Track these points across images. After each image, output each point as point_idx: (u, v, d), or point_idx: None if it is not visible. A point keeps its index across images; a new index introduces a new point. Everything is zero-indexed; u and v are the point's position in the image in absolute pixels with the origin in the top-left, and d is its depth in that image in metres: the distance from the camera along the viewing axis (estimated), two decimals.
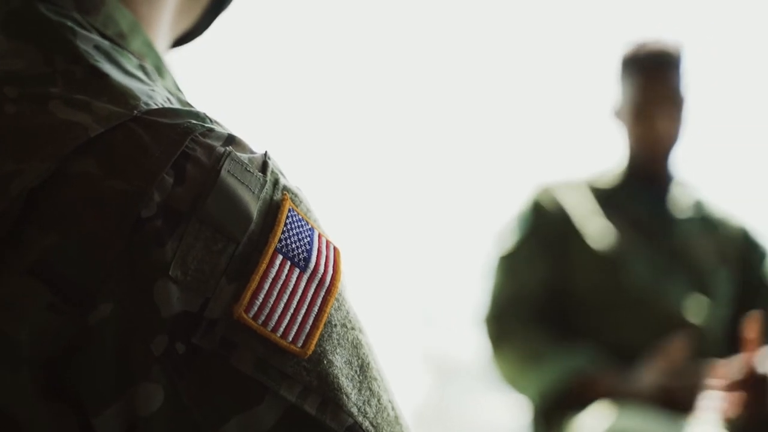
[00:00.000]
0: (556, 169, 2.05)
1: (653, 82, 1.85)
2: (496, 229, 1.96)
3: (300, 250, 0.47)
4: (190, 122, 0.47)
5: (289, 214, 0.47)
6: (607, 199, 1.91)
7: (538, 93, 2.64)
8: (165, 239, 0.43)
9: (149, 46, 0.56)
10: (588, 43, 2.58)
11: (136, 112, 0.46)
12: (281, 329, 0.45)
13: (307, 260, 0.47)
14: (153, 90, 0.49)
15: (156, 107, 0.47)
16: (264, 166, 0.48)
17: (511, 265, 1.88)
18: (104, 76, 0.48)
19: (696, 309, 1.82)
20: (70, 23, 0.51)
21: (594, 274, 1.82)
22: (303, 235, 0.48)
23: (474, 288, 2.02)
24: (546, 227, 1.88)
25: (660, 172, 1.91)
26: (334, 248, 0.50)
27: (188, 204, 0.44)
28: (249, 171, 0.47)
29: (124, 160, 0.44)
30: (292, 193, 0.49)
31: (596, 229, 1.87)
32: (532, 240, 1.88)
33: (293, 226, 0.47)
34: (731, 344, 1.86)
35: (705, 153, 2.20)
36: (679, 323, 1.80)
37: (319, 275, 0.48)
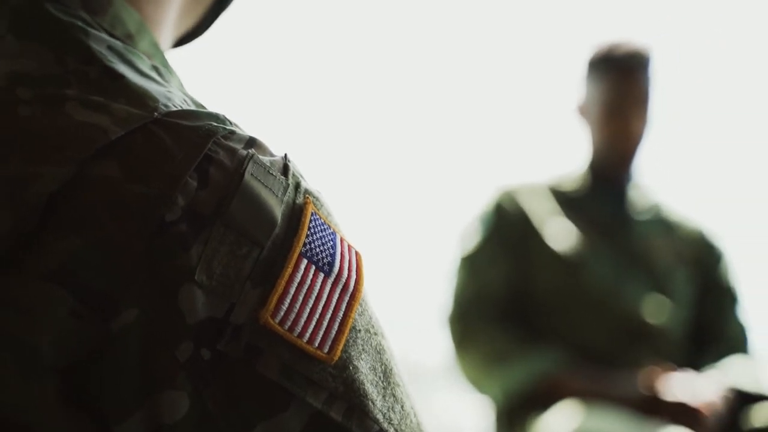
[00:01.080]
0: (517, 171, 2.07)
1: (627, 81, 1.87)
2: (459, 231, 1.98)
3: (324, 255, 0.47)
4: (211, 124, 0.46)
5: (312, 218, 0.47)
6: (568, 201, 1.93)
7: (498, 97, 2.67)
8: (190, 243, 0.42)
9: (156, 47, 0.55)
10: (550, 44, 2.61)
11: (155, 114, 0.45)
12: (307, 335, 0.44)
13: (331, 264, 0.47)
14: (170, 91, 0.48)
15: (175, 109, 0.46)
16: (285, 168, 0.47)
17: (473, 265, 1.90)
18: (120, 77, 0.47)
19: (656, 310, 1.85)
20: (80, 23, 0.50)
21: (555, 275, 1.84)
22: (326, 239, 0.47)
23: (436, 289, 2.03)
24: (507, 229, 1.90)
25: (623, 173, 1.93)
26: (356, 252, 0.50)
27: (212, 208, 0.43)
28: (272, 174, 0.46)
29: (146, 164, 0.43)
30: (314, 197, 0.48)
31: (557, 230, 1.89)
32: (494, 241, 1.90)
33: (316, 230, 0.47)
34: (692, 346, 1.89)
35: (663, 155, 2.23)
36: (639, 324, 1.83)
37: (343, 280, 0.47)
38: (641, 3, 2.70)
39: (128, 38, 0.53)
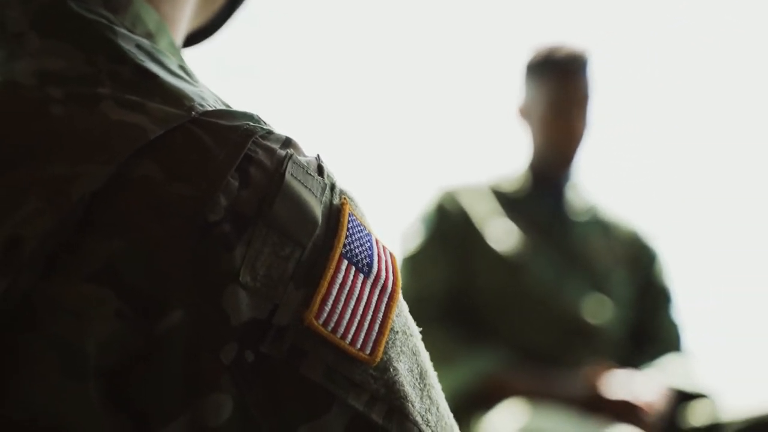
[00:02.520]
0: (459, 172, 2.08)
1: (568, 83, 1.91)
2: (401, 232, 1.99)
3: (363, 255, 0.46)
4: (248, 124, 0.45)
5: (350, 219, 0.46)
6: (509, 202, 1.95)
7: (437, 98, 2.68)
8: (233, 244, 0.42)
9: (174, 47, 0.54)
10: (489, 46, 2.63)
11: (193, 113, 0.44)
12: (350, 336, 0.43)
13: (369, 266, 0.46)
14: (201, 91, 0.47)
15: (211, 109, 0.45)
16: (320, 169, 0.47)
17: (415, 266, 1.90)
18: (154, 77, 0.46)
19: (595, 309, 1.88)
20: (105, 21, 0.49)
21: (496, 275, 1.85)
22: (364, 240, 0.47)
23: None
24: (449, 229, 1.91)
25: (563, 174, 1.96)
26: (390, 253, 0.49)
27: (254, 208, 0.43)
28: (310, 174, 0.46)
29: (187, 164, 0.42)
30: (349, 197, 0.48)
31: (498, 231, 1.90)
32: (436, 242, 1.90)
33: (354, 231, 0.46)
34: (631, 345, 1.93)
35: (600, 157, 2.27)
36: (579, 323, 1.85)
37: (382, 281, 0.47)
38: (577, 7, 2.74)
39: (149, 37, 0.52)
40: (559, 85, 1.90)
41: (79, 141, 0.42)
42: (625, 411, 1.70)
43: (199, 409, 0.41)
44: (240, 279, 0.42)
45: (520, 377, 1.76)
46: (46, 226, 0.40)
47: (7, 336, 0.40)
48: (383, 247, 0.49)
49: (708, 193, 2.82)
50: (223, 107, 0.47)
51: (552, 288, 1.87)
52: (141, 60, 0.47)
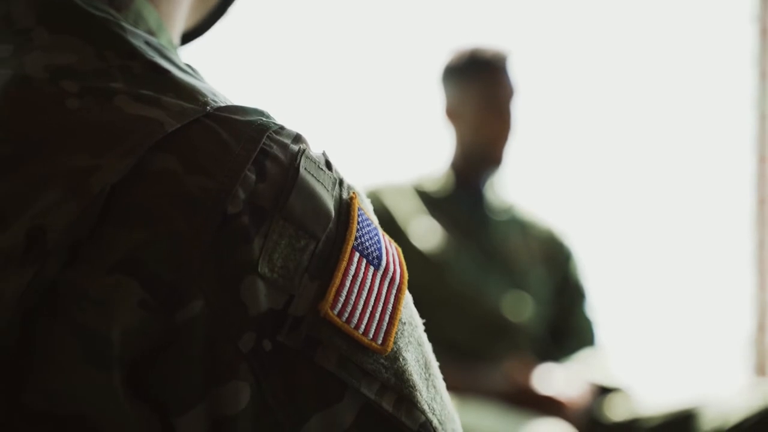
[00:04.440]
0: (382, 171, 2.09)
1: (501, 80, 1.93)
2: None
3: (372, 249, 0.47)
4: (261, 119, 0.46)
5: (359, 213, 0.47)
6: (432, 201, 1.97)
7: (360, 98, 2.68)
8: (252, 236, 0.43)
9: (172, 45, 0.55)
10: (409, 48, 2.65)
11: (207, 108, 0.45)
12: (362, 326, 0.45)
13: (379, 258, 0.48)
14: (211, 87, 0.48)
15: (224, 104, 0.46)
16: (328, 164, 0.48)
17: None
18: (165, 72, 0.47)
19: (515, 307, 1.90)
20: (112, 18, 0.49)
21: (419, 273, 1.86)
22: (372, 233, 0.48)
23: None
24: None
25: (487, 173, 1.98)
26: (396, 247, 0.51)
27: (271, 201, 0.44)
28: (322, 169, 0.47)
29: (205, 157, 0.43)
30: (357, 192, 0.49)
31: (421, 229, 1.92)
32: None
33: (363, 224, 0.47)
34: (549, 340, 1.97)
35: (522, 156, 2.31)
36: (500, 320, 1.88)
37: (390, 273, 0.48)
38: (496, 8, 2.78)
39: (150, 35, 0.52)
40: (490, 84, 1.93)
41: (98, 134, 0.43)
42: (549, 406, 1.73)
43: (218, 398, 0.42)
44: (258, 270, 0.43)
45: (445, 372, 1.77)
46: (69, 216, 0.41)
47: (29, 325, 0.40)
48: (389, 240, 0.50)
49: (621, 192, 2.88)
50: (236, 104, 0.48)
51: (474, 286, 1.89)
52: (151, 56, 0.48)
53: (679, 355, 2.81)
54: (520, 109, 1.96)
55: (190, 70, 0.50)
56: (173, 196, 0.42)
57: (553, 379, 1.81)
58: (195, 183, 0.43)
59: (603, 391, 1.85)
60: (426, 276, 1.87)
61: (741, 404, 1.66)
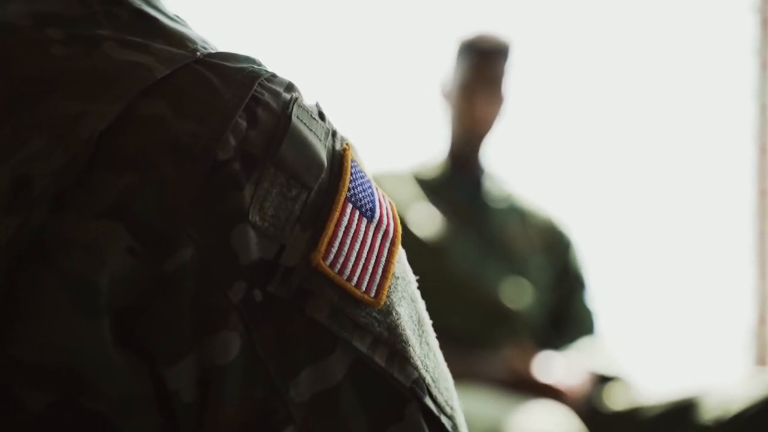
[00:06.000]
0: (382, 159, 2.08)
1: (480, 65, 1.93)
2: None
3: (366, 201, 0.47)
4: (253, 67, 0.45)
5: (352, 164, 0.47)
6: (430, 187, 1.97)
7: (362, 86, 2.67)
8: (243, 183, 0.42)
9: None
10: (417, 33, 2.64)
11: (198, 54, 0.44)
12: (355, 278, 0.44)
13: (372, 210, 0.47)
14: (201, 35, 0.47)
15: (215, 51, 0.45)
16: (321, 115, 0.47)
17: None
18: (154, 19, 0.46)
19: (514, 294, 1.90)
20: None
21: (418, 260, 1.84)
22: (366, 185, 0.47)
23: None
24: None
25: (474, 157, 1.99)
26: (390, 201, 0.50)
27: (262, 149, 0.43)
28: (314, 119, 0.46)
29: (195, 102, 0.42)
30: (350, 144, 0.48)
31: (419, 216, 1.92)
32: None
33: (357, 176, 0.47)
34: (549, 328, 1.96)
35: (516, 147, 2.30)
36: (499, 307, 1.88)
37: (384, 226, 0.47)
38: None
39: None
40: (470, 68, 1.94)
41: (85, 80, 0.42)
42: (549, 394, 1.73)
43: (207, 347, 0.41)
44: (249, 218, 0.42)
45: (450, 360, 1.77)
46: (56, 164, 0.40)
47: (16, 275, 0.40)
48: (383, 194, 0.50)
49: (621, 184, 2.88)
50: (225, 51, 0.47)
51: (472, 272, 1.89)
52: (138, 4, 0.47)
53: (680, 347, 2.80)
54: (507, 94, 1.96)
55: (178, 19, 0.49)
56: (162, 142, 0.41)
57: (553, 367, 1.80)
58: (184, 128, 0.42)
59: (603, 380, 1.84)
60: (425, 262, 1.85)
61: (742, 393, 1.65)
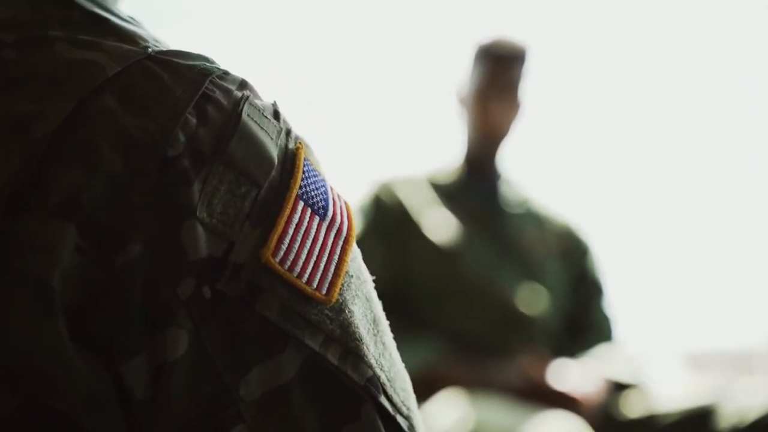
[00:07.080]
0: (397, 164, 2.08)
1: (496, 70, 1.92)
2: None
3: (318, 199, 0.47)
4: (205, 64, 0.46)
5: (305, 163, 0.47)
6: (445, 192, 1.96)
7: (379, 91, 2.67)
8: (192, 179, 0.42)
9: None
10: (435, 38, 2.63)
11: (149, 50, 0.45)
12: (306, 275, 0.44)
13: (325, 209, 0.47)
14: (154, 35, 0.48)
15: (167, 48, 0.46)
16: (276, 114, 0.47)
17: None
18: (105, 20, 0.47)
19: (530, 299, 1.89)
20: None
21: (432, 265, 1.86)
22: (319, 184, 0.47)
23: None
24: (385, 220, 1.91)
25: (490, 162, 1.98)
26: (344, 200, 0.50)
27: (211, 146, 0.43)
28: (266, 117, 0.46)
29: (146, 98, 0.43)
30: (305, 143, 0.48)
31: (434, 221, 1.91)
32: (372, 233, 1.90)
33: (310, 174, 0.47)
34: (565, 335, 1.95)
35: (534, 152, 2.29)
36: (514, 313, 1.87)
37: (337, 224, 0.47)
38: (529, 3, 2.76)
39: None
40: (486, 73, 1.93)
41: (38, 80, 0.43)
42: (564, 402, 1.72)
43: (158, 343, 0.41)
44: (197, 215, 0.42)
45: (458, 367, 1.77)
46: (13, 165, 0.40)
47: None
48: (338, 194, 0.50)
49: (643, 186, 2.86)
50: (177, 48, 0.47)
51: (488, 278, 1.88)
52: (90, 7, 0.47)
53: (699, 353, 2.78)
54: (524, 99, 1.95)
55: (132, 20, 0.49)
56: (111, 137, 0.42)
57: (569, 374, 1.79)
58: (134, 124, 0.42)
59: (619, 388, 1.83)
60: (439, 268, 1.86)
61: (758, 401, 1.63)
